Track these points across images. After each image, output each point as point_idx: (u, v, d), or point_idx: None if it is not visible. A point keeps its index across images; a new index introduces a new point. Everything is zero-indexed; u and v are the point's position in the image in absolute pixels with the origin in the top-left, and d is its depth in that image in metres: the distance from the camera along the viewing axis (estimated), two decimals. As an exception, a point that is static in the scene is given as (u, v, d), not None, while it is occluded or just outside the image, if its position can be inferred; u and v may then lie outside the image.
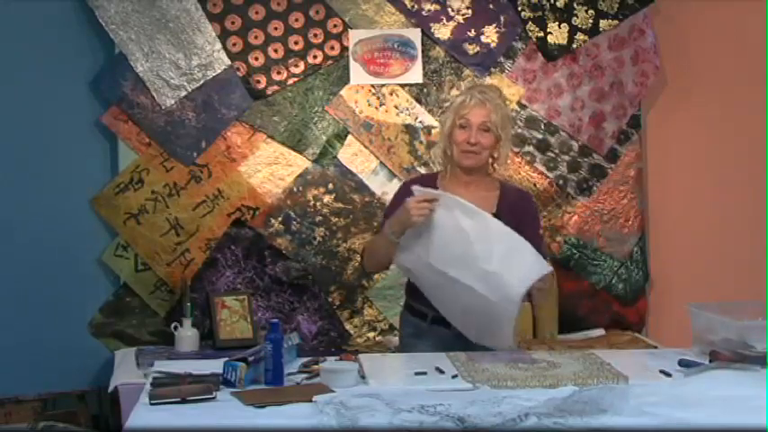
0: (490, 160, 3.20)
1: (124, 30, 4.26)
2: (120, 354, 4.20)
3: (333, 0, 4.41)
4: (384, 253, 3.13)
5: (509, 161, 3.31)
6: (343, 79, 4.43)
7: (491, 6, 4.49)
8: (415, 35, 4.46)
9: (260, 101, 4.39)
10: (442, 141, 3.24)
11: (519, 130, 4.52)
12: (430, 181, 3.27)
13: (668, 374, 2.72)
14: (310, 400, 2.40)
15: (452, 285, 2.93)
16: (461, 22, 4.47)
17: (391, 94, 4.46)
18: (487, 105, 3.14)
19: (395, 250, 3.05)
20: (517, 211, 3.20)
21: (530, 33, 4.52)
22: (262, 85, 4.39)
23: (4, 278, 4.13)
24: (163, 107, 4.32)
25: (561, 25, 4.52)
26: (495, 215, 3.12)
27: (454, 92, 4.36)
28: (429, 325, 3.16)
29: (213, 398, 2.46)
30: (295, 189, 4.43)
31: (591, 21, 4.53)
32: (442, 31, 4.47)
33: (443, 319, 3.08)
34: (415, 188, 3.00)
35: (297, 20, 4.40)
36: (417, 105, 4.45)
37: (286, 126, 4.41)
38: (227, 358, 2.64)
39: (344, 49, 4.43)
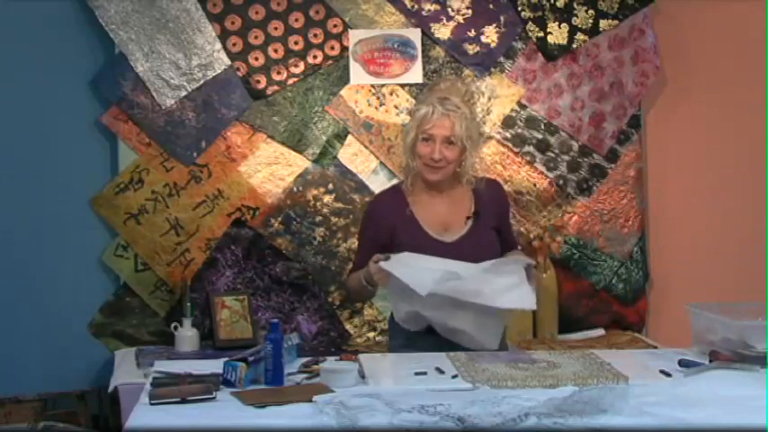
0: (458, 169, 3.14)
1: (124, 30, 4.26)
2: (120, 354, 4.20)
3: (333, 0, 4.41)
4: (368, 294, 3.14)
5: (476, 164, 3.20)
6: (343, 79, 4.43)
7: (491, 6, 4.49)
8: (415, 35, 4.46)
9: (260, 101, 4.39)
10: (405, 153, 3.15)
11: (519, 131, 4.52)
12: (395, 195, 3.20)
13: (668, 374, 2.72)
14: (310, 400, 2.40)
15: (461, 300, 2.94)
16: (461, 22, 4.47)
17: (391, 94, 4.46)
18: (451, 117, 3.04)
19: (373, 292, 3.11)
20: (494, 203, 3.19)
21: (530, 33, 4.52)
22: (262, 85, 4.39)
23: (3, 278, 4.13)
24: (163, 107, 4.32)
25: (561, 25, 4.52)
26: (476, 213, 3.11)
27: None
28: (420, 334, 3.08)
29: (213, 398, 2.46)
30: (295, 189, 4.43)
31: (591, 21, 4.53)
32: (442, 31, 4.47)
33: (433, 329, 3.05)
34: (382, 263, 2.96)
35: (297, 20, 4.40)
36: (417, 105, 4.45)
37: (286, 126, 4.41)
38: (227, 358, 2.64)
39: (344, 49, 4.43)
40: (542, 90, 4.53)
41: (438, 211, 3.15)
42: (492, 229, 3.16)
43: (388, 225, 3.13)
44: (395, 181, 4.35)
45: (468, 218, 3.13)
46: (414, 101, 4.43)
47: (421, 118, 3.08)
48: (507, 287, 2.96)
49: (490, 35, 4.50)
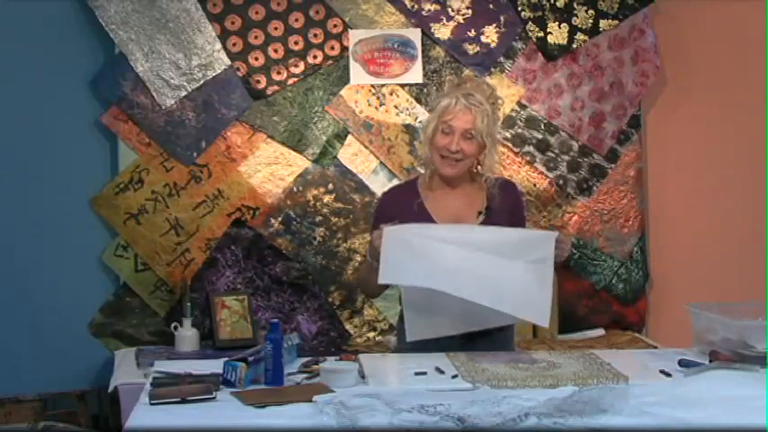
0: (475, 163, 3.11)
1: (124, 30, 4.26)
2: (120, 354, 4.20)
3: (333, 0, 4.42)
4: (375, 278, 3.04)
5: (496, 165, 3.19)
6: (343, 79, 4.43)
7: (491, 6, 4.49)
8: (415, 35, 4.46)
9: (260, 101, 4.39)
10: (424, 145, 3.12)
11: (519, 131, 4.52)
12: (409, 188, 3.18)
13: (668, 374, 2.72)
14: (310, 400, 2.40)
15: (476, 270, 2.88)
16: (461, 22, 4.47)
17: (391, 94, 4.46)
18: (473, 111, 3.01)
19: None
20: (506, 200, 3.16)
21: (530, 33, 4.52)
22: (262, 85, 4.39)
23: (4, 278, 4.14)
24: (163, 107, 4.32)
25: (561, 25, 4.52)
26: (487, 208, 3.10)
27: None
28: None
29: (213, 398, 2.46)
30: (295, 189, 4.43)
31: (591, 21, 4.53)
32: (442, 31, 4.47)
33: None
34: (386, 229, 2.91)
35: (297, 20, 4.40)
36: (417, 105, 4.45)
37: (286, 126, 4.41)
38: (227, 358, 2.64)
39: (344, 49, 4.43)
40: (542, 90, 4.53)
41: (450, 205, 3.12)
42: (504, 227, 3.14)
43: (399, 218, 3.07)
44: (395, 181, 4.37)
45: (479, 212, 3.12)
46: (414, 101, 4.44)
47: (443, 109, 3.05)
48: (523, 290, 2.90)
49: (490, 35, 4.50)
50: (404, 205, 3.13)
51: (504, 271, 2.89)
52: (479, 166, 3.13)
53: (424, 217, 3.09)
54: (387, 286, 3.12)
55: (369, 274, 3.08)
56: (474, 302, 2.89)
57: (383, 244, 2.89)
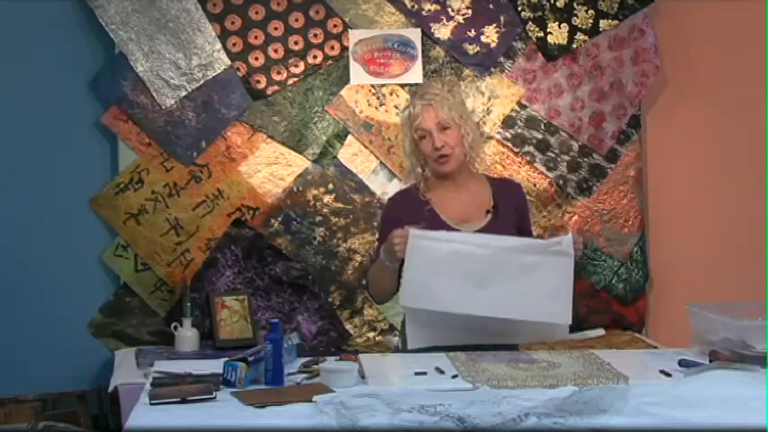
0: (468, 155, 3.14)
1: (124, 30, 4.26)
2: (120, 354, 4.20)
3: (333, 0, 4.42)
4: (388, 279, 3.09)
5: (485, 150, 3.20)
6: (344, 79, 4.43)
7: (491, 6, 4.49)
8: (415, 35, 4.46)
9: (260, 101, 4.39)
10: (410, 159, 3.16)
11: (519, 131, 4.52)
12: (414, 193, 3.18)
13: (668, 374, 2.72)
14: (310, 400, 2.40)
15: (499, 277, 2.92)
16: (461, 22, 4.48)
17: (391, 94, 4.46)
18: (433, 104, 3.06)
19: (395, 276, 3.04)
20: (512, 200, 3.19)
21: (530, 33, 4.52)
22: (262, 85, 4.39)
23: (4, 278, 4.14)
24: (163, 107, 4.32)
25: (561, 25, 4.53)
26: (495, 207, 3.12)
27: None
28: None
29: (213, 398, 2.46)
30: (295, 189, 4.43)
31: (591, 21, 4.53)
32: (442, 31, 4.47)
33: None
34: (412, 234, 2.93)
35: (297, 20, 4.40)
36: (417, 105, 4.44)
37: (286, 126, 4.41)
38: (227, 358, 2.64)
39: (344, 49, 4.43)
40: (542, 90, 4.53)
41: (456, 204, 3.14)
42: (513, 227, 3.15)
43: (408, 222, 3.07)
44: (395, 181, 4.37)
45: (487, 211, 3.13)
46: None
47: (407, 119, 3.12)
48: (545, 294, 2.94)
49: (490, 35, 4.50)
50: (412, 209, 3.13)
51: (527, 272, 2.92)
52: (473, 158, 3.15)
53: (434, 220, 3.10)
54: (397, 289, 3.12)
55: (381, 273, 3.09)
56: (482, 318, 2.92)
57: (408, 254, 2.91)
